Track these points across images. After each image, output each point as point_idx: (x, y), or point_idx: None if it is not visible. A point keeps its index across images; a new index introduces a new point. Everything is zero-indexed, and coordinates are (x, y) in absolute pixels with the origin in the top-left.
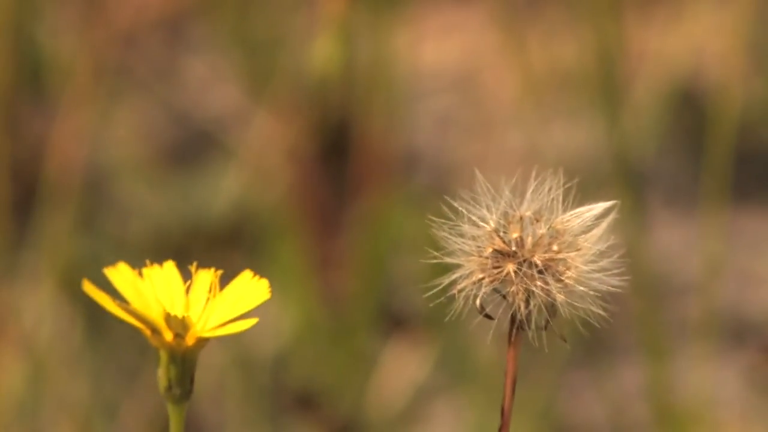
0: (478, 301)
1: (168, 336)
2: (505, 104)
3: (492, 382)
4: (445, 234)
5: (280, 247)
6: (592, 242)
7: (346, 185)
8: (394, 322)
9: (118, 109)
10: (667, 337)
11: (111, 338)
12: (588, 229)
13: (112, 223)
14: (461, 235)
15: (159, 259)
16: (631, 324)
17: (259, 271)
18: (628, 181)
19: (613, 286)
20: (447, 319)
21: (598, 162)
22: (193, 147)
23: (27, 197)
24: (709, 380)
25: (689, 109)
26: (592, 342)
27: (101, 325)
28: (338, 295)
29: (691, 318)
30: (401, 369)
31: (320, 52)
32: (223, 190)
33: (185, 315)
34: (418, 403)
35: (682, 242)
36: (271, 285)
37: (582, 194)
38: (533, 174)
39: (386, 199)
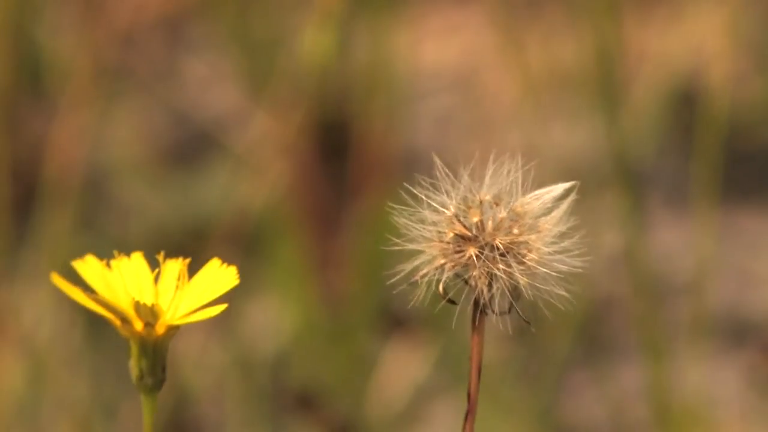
0: (440, 287)
1: (138, 325)
2: (505, 104)
3: (492, 382)
4: (406, 220)
5: (280, 246)
6: (552, 224)
7: (346, 185)
8: (394, 322)
9: (118, 109)
10: (666, 337)
11: (111, 338)
12: (548, 211)
13: (112, 223)
14: (422, 221)
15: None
16: (631, 324)
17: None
18: (628, 181)
19: (575, 267)
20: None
21: (597, 162)
22: (193, 147)
23: (27, 197)
24: (708, 380)
25: (688, 109)
26: (592, 342)
27: (101, 325)
28: (338, 295)
29: (689, 317)
30: (401, 369)
31: (311, 43)
32: (223, 190)
33: (154, 303)
34: (418, 403)
35: (681, 242)
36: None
37: (582, 194)
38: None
39: (386, 199)
